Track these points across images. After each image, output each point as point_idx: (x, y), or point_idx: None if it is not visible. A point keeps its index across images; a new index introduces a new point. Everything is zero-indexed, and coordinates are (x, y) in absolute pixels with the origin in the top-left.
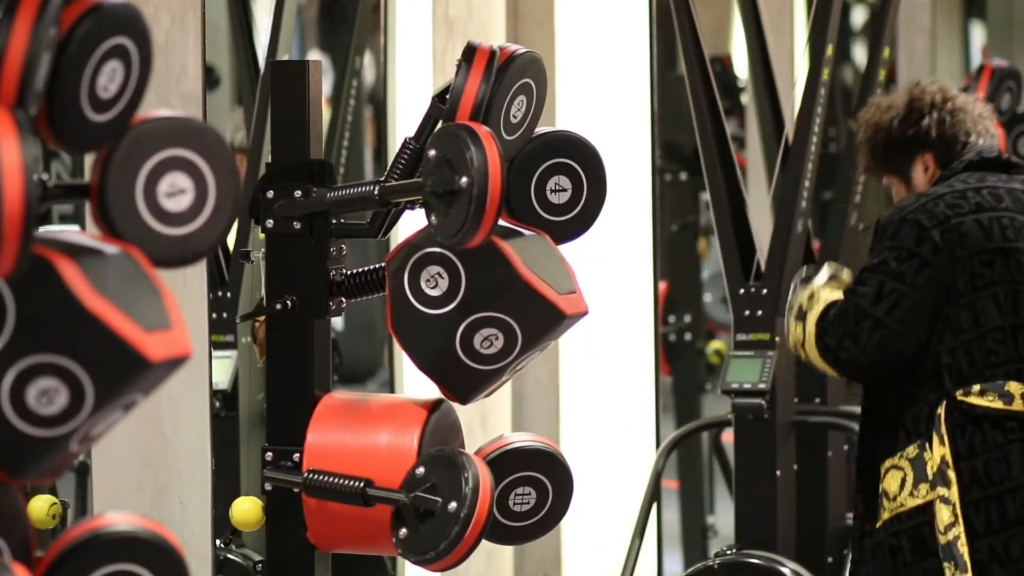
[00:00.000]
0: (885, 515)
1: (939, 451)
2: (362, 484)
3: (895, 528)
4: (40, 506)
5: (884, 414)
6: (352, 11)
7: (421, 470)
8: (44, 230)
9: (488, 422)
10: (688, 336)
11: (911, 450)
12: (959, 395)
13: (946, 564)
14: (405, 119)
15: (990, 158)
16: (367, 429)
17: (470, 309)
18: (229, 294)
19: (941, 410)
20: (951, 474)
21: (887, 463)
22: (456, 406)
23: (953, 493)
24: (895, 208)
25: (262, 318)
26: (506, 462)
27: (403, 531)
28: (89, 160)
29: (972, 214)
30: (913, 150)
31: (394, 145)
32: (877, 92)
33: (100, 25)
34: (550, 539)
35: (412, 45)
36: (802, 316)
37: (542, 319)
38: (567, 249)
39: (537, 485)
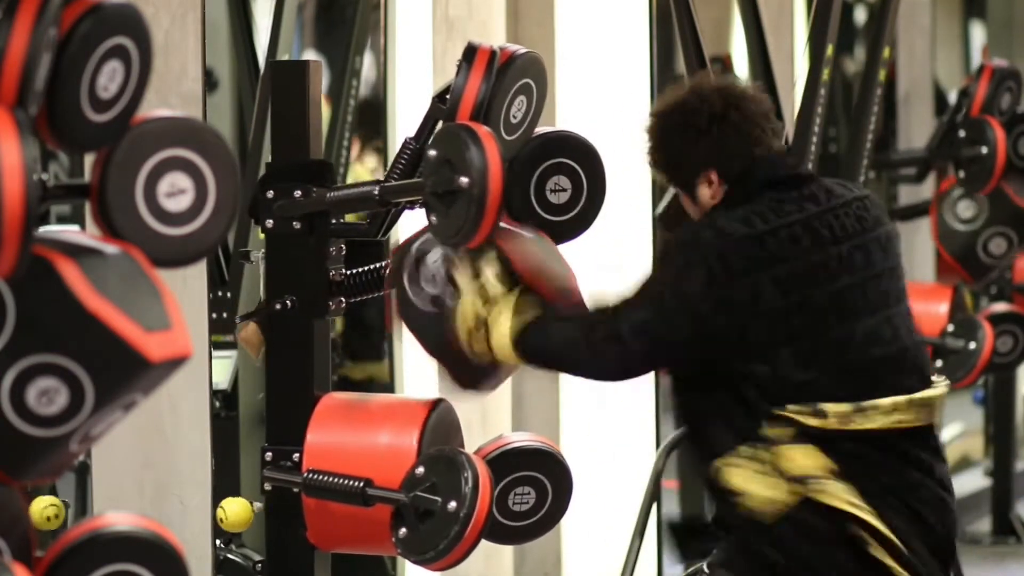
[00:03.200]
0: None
1: (807, 457)
2: (362, 484)
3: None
4: (35, 508)
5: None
6: (352, 11)
7: (421, 470)
8: (44, 230)
9: (488, 422)
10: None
11: (744, 449)
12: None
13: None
14: (405, 119)
15: (783, 176)
16: (367, 429)
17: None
18: (229, 294)
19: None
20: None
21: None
22: (456, 405)
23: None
24: (692, 234)
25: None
26: (506, 462)
27: (403, 531)
28: (89, 160)
29: (768, 269)
30: (698, 166)
31: (394, 145)
32: (877, 92)
33: (100, 25)
34: (550, 539)
35: (412, 45)
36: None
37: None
38: (567, 248)
39: (537, 485)
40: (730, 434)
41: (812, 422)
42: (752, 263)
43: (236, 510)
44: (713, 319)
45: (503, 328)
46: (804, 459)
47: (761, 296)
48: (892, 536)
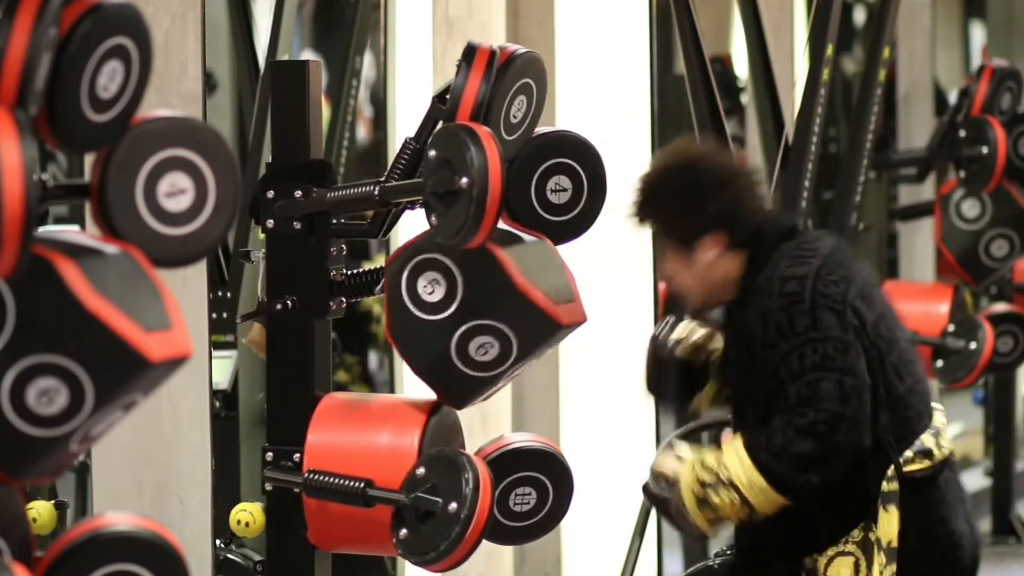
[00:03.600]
0: None
1: (893, 523)
2: (362, 484)
3: None
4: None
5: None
6: (352, 11)
7: (421, 470)
8: (44, 230)
9: (488, 422)
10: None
11: (856, 533)
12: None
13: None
14: (405, 119)
15: (790, 226)
16: (367, 429)
17: (466, 316)
18: (229, 294)
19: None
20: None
21: (831, 552)
22: None
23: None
24: (780, 296)
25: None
26: (506, 462)
27: (403, 531)
28: (89, 160)
29: (857, 286)
30: (705, 227)
31: (394, 145)
32: (877, 92)
33: (100, 25)
34: (550, 539)
35: (412, 45)
36: (712, 484)
37: (537, 329)
38: (567, 249)
39: (537, 485)
40: (838, 518)
41: (918, 466)
42: (837, 288)
43: (258, 515)
44: (855, 343)
45: (758, 483)
46: (890, 524)
47: (859, 314)
48: None
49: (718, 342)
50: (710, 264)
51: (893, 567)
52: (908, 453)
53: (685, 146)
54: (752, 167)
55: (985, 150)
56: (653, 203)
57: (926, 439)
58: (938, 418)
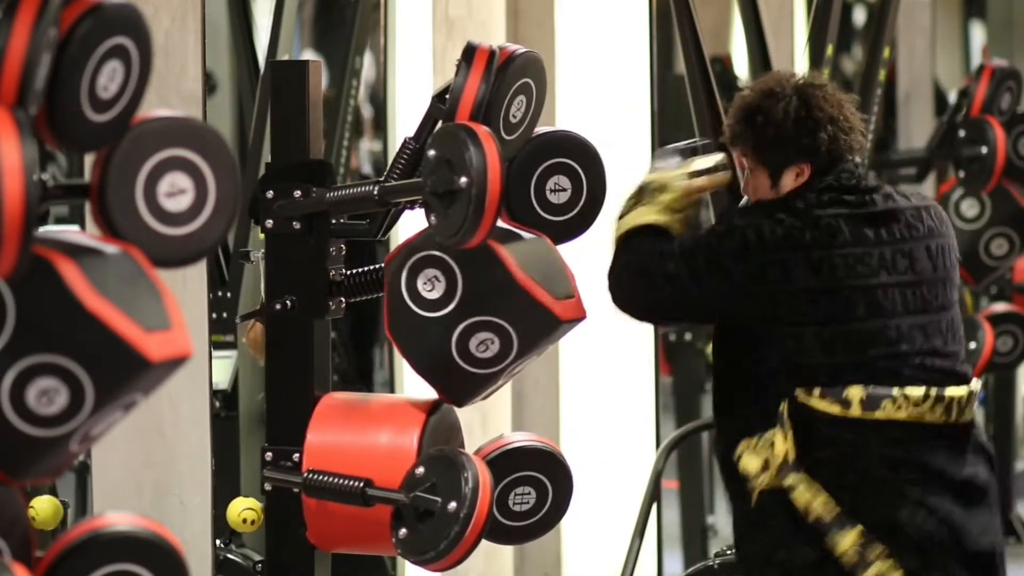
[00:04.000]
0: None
1: (785, 444)
2: (362, 484)
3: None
4: (44, 507)
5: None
6: (352, 11)
7: (421, 470)
8: (44, 230)
9: (488, 422)
10: (688, 336)
11: (768, 434)
12: (799, 395)
13: (839, 531)
14: (405, 119)
15: (848, 185)
16: (367, 429)
17: (466, 313)
18: (229, 294)
19: (786, 406)
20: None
21: (742, 446)
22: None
23: (814, 481)
24: (747, 210)
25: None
26: (506, 462)
27: (403, 531)
28: (89, 160)
29: (803, 251)
30: (797, 156)
31: (394, 145)
32: (877, 92)
33: (100, 25)
34: (550, 539)
35: (412, 45)
36: (639, 197)
37: (538, 324)
38: (567, 249)
39: (537, 485)
40: (760, 416)
41: (832, 410)
42: (787, 242)
43: (245, 511)
44: (744, 286)
45: (633, 217)
46: (783, 445)
47: (792, 273)
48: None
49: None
50: (785, 186)
51: (789, 477)
52: (859, 392)
53: (790, 74)
54: (857, 109)
55: (985, 150)
56: (748, 125)
57: (898, 402)
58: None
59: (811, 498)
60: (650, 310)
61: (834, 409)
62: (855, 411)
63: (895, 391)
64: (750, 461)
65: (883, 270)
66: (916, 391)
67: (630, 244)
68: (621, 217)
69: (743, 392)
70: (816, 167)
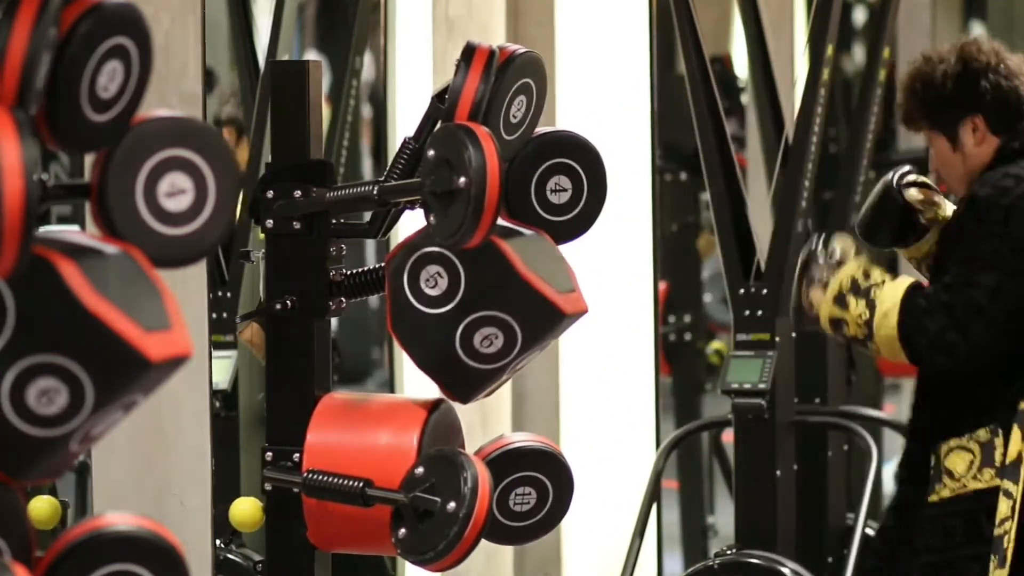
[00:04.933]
0: (946, 492)
1: (1017, 445)
2: (361, 484)
3: (952, 508)
4: (41, 507)
5: (947, 398)
6: (352, 11)
7: (420, 470)
8: (44, 230)
9: (488, 422)
10: (688, 336)
11: (982, 433)
12: None
13: (992, 555)
14: (405, 119)
15: None
16: (367, 429)
17: (469, 308)
18: (229, 294)
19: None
20: (1023, 470)
21: (952, 443)
22: (456, 406)
23: (1018, 490)
24: (992, 187)
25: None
26: (506, 462)
27: (402, 531)
28: (89, 160)
29: None
30: (965, 110)
31: (394, 145)
32: (877, 92)
33: (100, 25)
34: (550, 539)
35: (412, 45)
36: (860, 292)
37: (542, 318)
38: (567, 249)
39: (537, 485)
40: (974, 414)
41: None
42: None
43: (247, 508)
44: None
45: (889, 322)
46: (1017, 445)
47: None
48: None
49: (949, 209)
50: (971, 150)
51: (1008, 483)
52: None
53: (951, 44)
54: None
55: None
56: (911, 96)
57: None
58: None
59: (1004, 508)
60: (988, 345)
61: None
62: None
63: None
64: (958, 460)
65: None
66: None
67: (918, 320)
68: (858, 324)
69: (964, 386)
70: (989, 117)
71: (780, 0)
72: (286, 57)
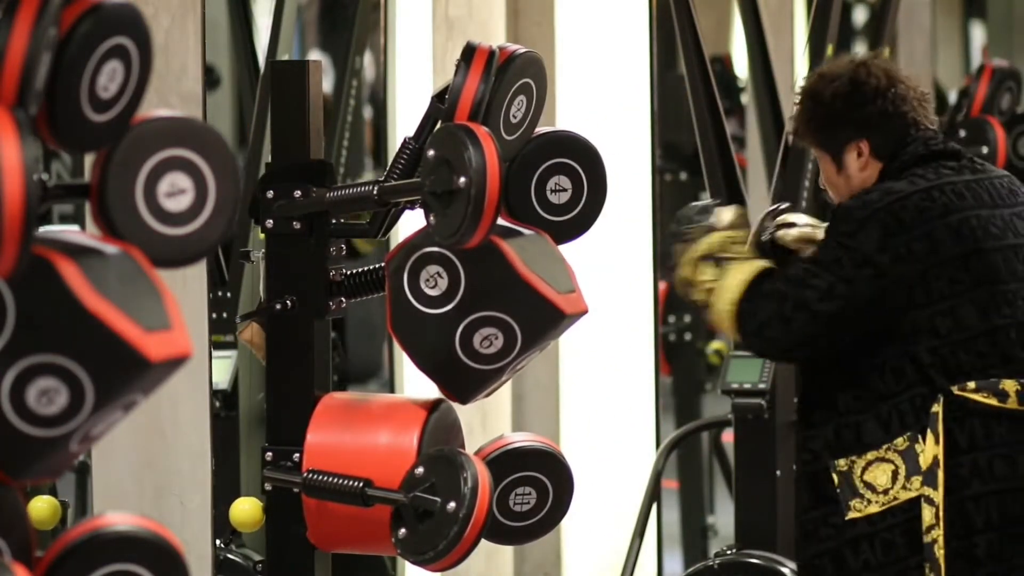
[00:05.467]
0: (874, 509)
1: (932, 449)
2: (361, 484)
3: (888, 522)
4: (41, 507)
5: (852, 414)
6: (352, 11)
7: (420, 470)
8: (44, 230)
9: (488, 422)
10: (688, 336)
11: (900, 442)
12: (955, 390)
13: (926, 563)
14: (405, 119)
15: (937, 149)
16: (367, 429)
17: (469, 309)
18: (229, 294)
19: (938, 406)
20: (940, 475)
21: (869, 455)
22: (456, 406)
23: (938, 495)
24: (858, 198)
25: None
26: (506, 462)
27: (402, 531)
28: (89, 160)
29: (941, 218)
30: (850, 133)
31: (394, 145)
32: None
33: (100, 25)
34: (550, 539)
35: (412, 45)
36: (716, 261)
37: (542, 318)
38: (567, 249)
39: (537, 485)
40: (881, 425)
41: (992, 402)
42: (923, 213)
43: (247, 508)
44: (894, 269)
45: (727, 296)
46: (932, 449)
47: (939, 243)
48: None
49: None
50: (855, 174)
51: (928, 489)
52: (971, 385)
53: (842, 60)
54: (918, 87)
55: (985, 150)
56: (803, 113)
57: (1008, 384)
58: None
59: (928, 516)
60: (806, 342)
61: (991, 401)
62: (1012, 403)
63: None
64: (879, 473)
65: (1009, 232)
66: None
67: (753, 303)
68: (703, 290)
69: (856, 394)
70: (874, 142)
71: (780, 0)
72: (286, 57)
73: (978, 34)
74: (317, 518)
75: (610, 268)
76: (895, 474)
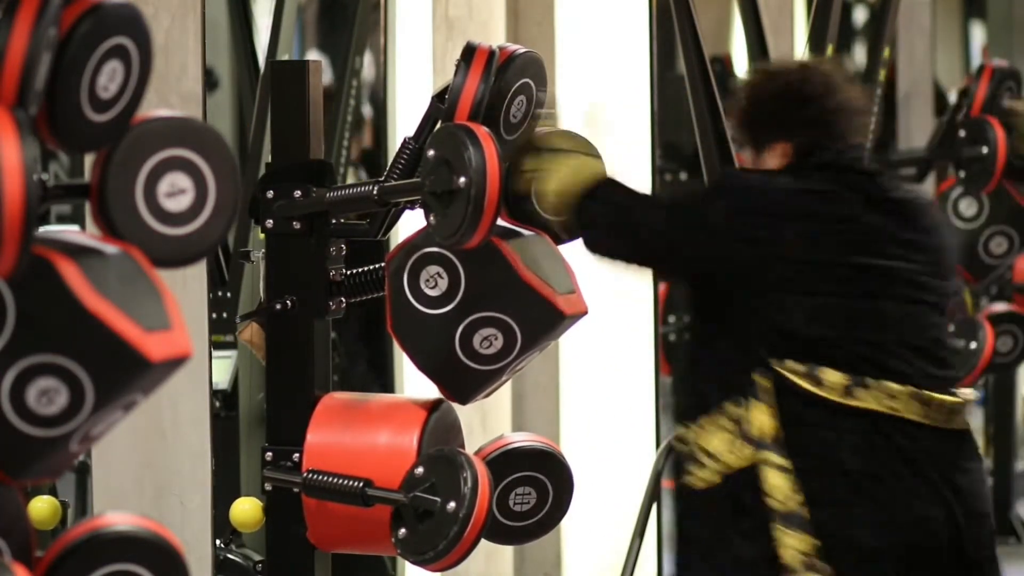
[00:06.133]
0: (714, 476)
1: (766, 419)
2: (361, 484)
3: (723, 491)
4: (41, 507)
5: (700, 375)
6: (352, 11)
7: (420, 470)
8: (44, 230)
9: (488, 422)
10: (688, 336)
11: (731, 408)
12: (774, 365)
13: (788, 529)
14: (405, 119)
15: (843, 163)
16: (367, 429)
17: (469, 309)
18: (229, 294)
19: (760, 377)
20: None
21: (703, 421)
22: (456, 406)
23: (787, 461)
24: (756, 170)
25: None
26: (506, 462)
27: (402, 531)
28: (89, 160)
29: (797, 221)
30: (776, 135)
31: (394, 145)
32: (877, 92)
33: (100, 25)
34: (550, 539)
35: (412, 45)
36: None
37: (541, 319)
38: (567, 250)
39: (537, 485)
40: (719, 389)
41: (805, 385)
42: (784, 210)
43: (247, 508)
44: (733, 246)
45: (578, 172)
46: (761, 418)
47: (786, 242)
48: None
49: None
50: (770, 167)
51: (764, 453)
52: (835, 376)
53: (789, 61)
54: (858, 98)
55: (985, 150)
56: (737, 106)
57: (874, 391)
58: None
59: (779, 482)
60: (632, 256)
61: (806, 385)
62: (830, 393)
63: (871, 380)
64: (714, 438)
65: (881, 256)
66: (895, 385)
67: (600, 195)
68: (542, 179)
69: (708, 364)
70: (797, 147)
71: (780, 0)
72: (286, 57)
73: (978, 34)
74: (317, 518)
75: (610, 268)
76: (732, 442)
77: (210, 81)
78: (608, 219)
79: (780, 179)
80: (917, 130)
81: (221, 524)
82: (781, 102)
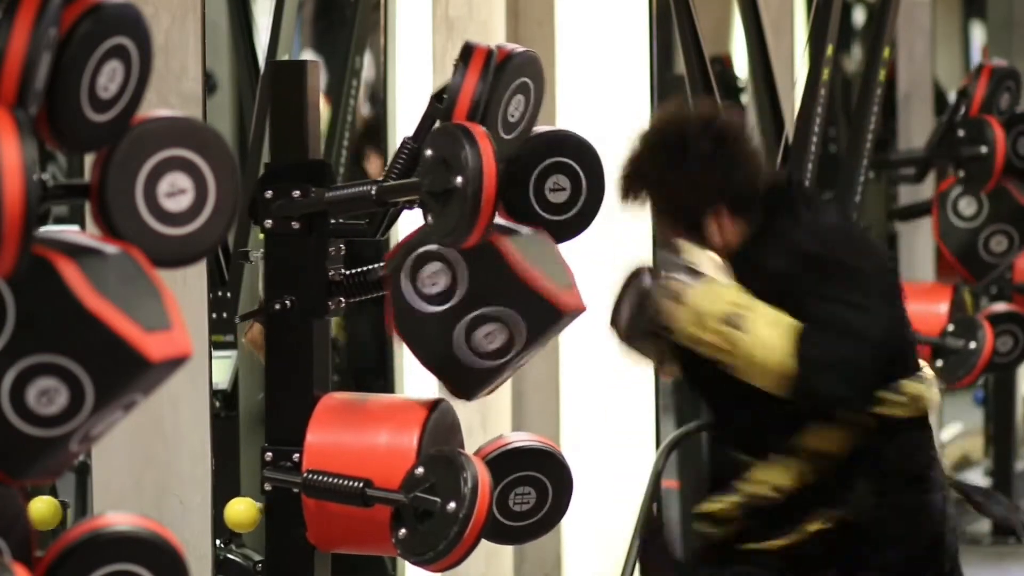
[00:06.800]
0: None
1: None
2: (361, 484)
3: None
4: (41, 507)
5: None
6: (352, 11)
7: (420, 470)
8: (44, 230)
9: (488, 422)
10: None
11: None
12: None
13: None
14: (405, 119)
15: (792, 191)
16: (366, 429)
17: (470, 306)
18: (229, 294)
19: None
20: None
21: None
22: (456, 405)
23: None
24: (813, 238)
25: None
26: (506, 462)
27: (402, 531)
28: (89, 160)
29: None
30: (704, 206)
31: (394, 145)
32: (877, 92)
33: (100, 25)
34: (550, 539)
35: (412, 45)
36: (733, 324)
37: (541, 315)
38: (566, 248)
39: (537, 485)
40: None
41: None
42: (863, 236)
43: (242, 509)
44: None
45: (771, 331)
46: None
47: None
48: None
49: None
50: (716, 241)
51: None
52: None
53: (668, 119)
54: (742, 126)
55: (984, 150)
56: (642, 185)
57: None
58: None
59: None
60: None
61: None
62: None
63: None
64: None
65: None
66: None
67: (808, 350)
68: (741, 346)
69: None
70: (731, 204)
71: (780, 0)
72: (286, 57)
73: (978, 34)
74: (317, 518)
75: (611, 267)
76: None
77: (209, 84)
78: (844, 360)
79: (818, 218)
80: (917, 130)
81: (221, 524)
82: (686, 171)
